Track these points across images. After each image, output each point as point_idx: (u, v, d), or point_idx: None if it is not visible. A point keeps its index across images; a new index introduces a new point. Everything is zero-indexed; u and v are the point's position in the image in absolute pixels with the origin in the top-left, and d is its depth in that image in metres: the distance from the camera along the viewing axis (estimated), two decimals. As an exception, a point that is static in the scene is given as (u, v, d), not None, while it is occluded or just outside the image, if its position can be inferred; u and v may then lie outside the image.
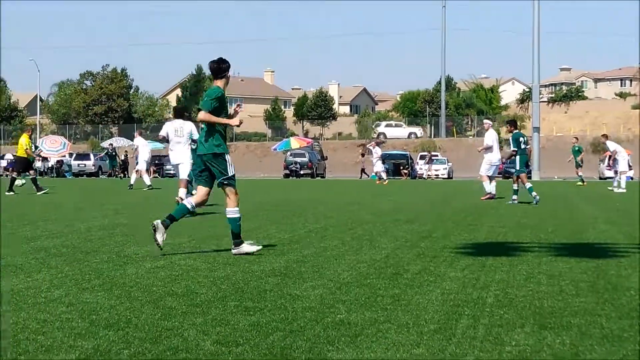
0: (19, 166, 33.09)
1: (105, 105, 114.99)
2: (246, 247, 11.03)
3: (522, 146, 25.12)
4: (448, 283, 8.59)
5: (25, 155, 32.19)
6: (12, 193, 30.48)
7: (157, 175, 72.52)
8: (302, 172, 72.30)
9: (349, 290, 8.12)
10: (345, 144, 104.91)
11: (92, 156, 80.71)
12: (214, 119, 11.08)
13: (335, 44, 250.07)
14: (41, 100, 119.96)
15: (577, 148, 45.87)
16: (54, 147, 73.99)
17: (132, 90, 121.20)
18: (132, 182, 37.30)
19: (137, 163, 37.72)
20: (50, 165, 77.70)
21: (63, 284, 8.44)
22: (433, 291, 8.06)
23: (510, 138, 25.77)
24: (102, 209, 21.33)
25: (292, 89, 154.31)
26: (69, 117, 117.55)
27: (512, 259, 10.65)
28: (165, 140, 21.02)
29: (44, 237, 13.28)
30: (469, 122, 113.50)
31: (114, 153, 72.45)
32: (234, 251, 11.00)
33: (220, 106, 11.14)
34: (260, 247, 11.17)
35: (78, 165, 78.06)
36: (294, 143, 74.59)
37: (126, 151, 78.14)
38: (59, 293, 7.86)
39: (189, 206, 11.33)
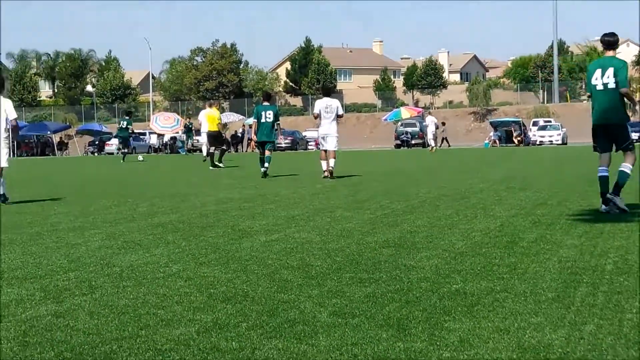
0: (213, 141, 32.28)
1: (215, 81, 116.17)
2: (619, 202, 11.82)
3: None
4: (565, 251, 8.46)
5: (218, 129, 32.11)
6: (220, 166, 30.89)
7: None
8: (413, 142, 72.04)
9: (464, 259, 8.06)
10: (456, 112, 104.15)
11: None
12: (631, 96, 12.09)
13: (443, 11, 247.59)
14: (153, 77, 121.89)
15: None
16: (167, 124, 75.05)
17: (241, 65, 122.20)
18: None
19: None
20: (164, 142, 78.96)
21: (181, 258, 8.57)
22: (550, 259, 7.95)
23: None
24: (216, 183, 21.59)
25: (401, 58, 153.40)
26: (181, 93, 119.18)
27: (631, 224, 10.41)
28: (318, 116, 22.56)
29: (160, 213, 13.50)
30: (583, 87, 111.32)
31: (190, 126, 72.27)
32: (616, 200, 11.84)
33: None
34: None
35: (193, 140, 79.09)
36: (405, 113, 74.16)
37: (243, 125, 78.69)
38: (177, 268, 7.99)
39: (627, 171, 12.03)
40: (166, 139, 78.94)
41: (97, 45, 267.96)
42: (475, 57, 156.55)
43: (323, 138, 22.56)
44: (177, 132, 77.72)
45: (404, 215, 12.16)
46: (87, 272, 7.83)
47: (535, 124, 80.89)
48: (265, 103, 24.53)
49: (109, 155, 73.24)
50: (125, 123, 46.39)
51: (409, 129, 73.65)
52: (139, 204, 15.16)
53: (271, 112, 23.93)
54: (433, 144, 54.64)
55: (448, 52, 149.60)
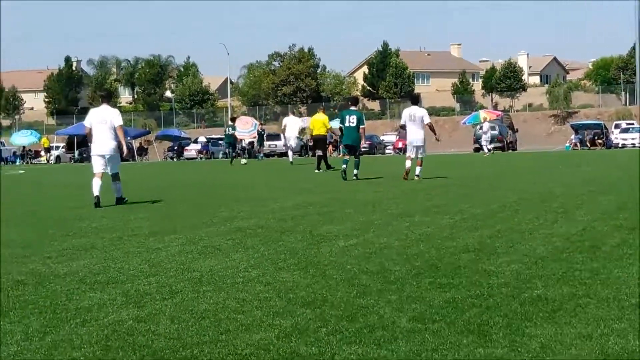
0: (319, 145, 33.27)
1: (293, 86, 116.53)
2: None
3: None
4: (649, 256, 8.32)
5: (325, 134, 33.07)
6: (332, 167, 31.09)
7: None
8: (492, 146, 71.42)
9: (545, 265, 7.98)
10: (537, 115, 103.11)
11: (282, 136, 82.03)
12: None
13: (523, 12, 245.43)
14: (231, 82, 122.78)
15: None
16: (245, 129, 75.44)
17: (319, 69, 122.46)
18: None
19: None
20: (242, 147, 79.52)
21: (260, 263, 8.61)
22: (633, 264, 7.83)
23: None
24: (295, 187, 21.66)
25: (480, 61, 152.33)
26: (259, 98, 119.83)
27: None
28: (404, 126, 24.09)
29: (239, 217, 13.58)
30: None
31: (262, 133, 72.52)
32: None
33: None
34: None
35: (269, 145, 79.48)
36: (484, 116, 73.63)
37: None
38: (256, 273, 8.03)
39: None
40: (244, 143, 79.42)
41: (176, 51, 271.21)
42: (555, 59, 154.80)
43: (413, 145, 23.39)
44: (255, 137, 78.19)
45: (483, 220, 12.07)
46: (168, 277, 7.91)
47: (617, 126, 79.70)
48: (352, 108, 24.97)
49: (189, 160, 73.96)
50: (230, 129, 50.93)
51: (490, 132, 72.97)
52: (217, 208, 15.25)
53: (354, 117, 24.17)
54: (488, 148, 55.07)
55: (527, 54, 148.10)
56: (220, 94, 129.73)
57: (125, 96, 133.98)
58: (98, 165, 16.79)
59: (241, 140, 78.00)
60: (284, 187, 22.17)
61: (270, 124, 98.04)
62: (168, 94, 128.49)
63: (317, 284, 7.35)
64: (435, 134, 23.88)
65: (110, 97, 18.25)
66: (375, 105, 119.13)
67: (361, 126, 24.14)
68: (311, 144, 47.47)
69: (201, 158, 76.60)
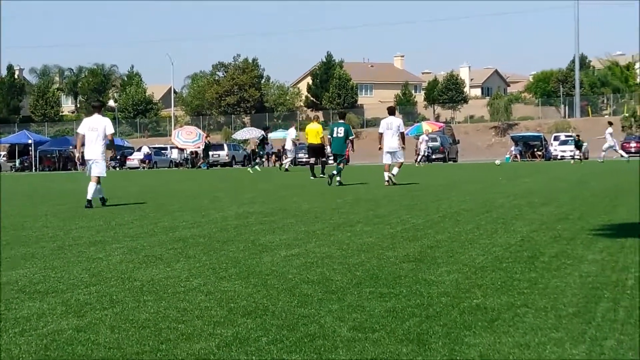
0: (314, 153, 34.81)
1: (237, 96, 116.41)
2: None
3: None
4: (586, 266, 8.44)
5: (321, 142, 34.16)
6: (322, 176, 32.61)
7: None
8: (434, 157, 71.89)
9: (485, 274, 8.05)
10: (478, 127, 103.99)
11: (225, 146, 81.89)
12: None
13: (464, 26, 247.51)
14: (175, 92, 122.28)
15: None
16: (189, 139, 75.22)
17: (263, 80, 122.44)
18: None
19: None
20: (185, 157, 79.14)
21: (201, 273, 8.60)
22: (571, 274, 7.93)
23: None
24: (237, 198, 21.64)
25: (422, 73, 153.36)
26: (203, 108, 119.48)
27: (653, 239, 10.37)
28: (382, 134, 26.25)
29: (181, 227, 13.54)
30: (605, 101, 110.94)
31: (208, 144, 72.59)
32: None
33: None
34: None
35: (212, 155, 79.28)
36: (426, 127, 74.14)
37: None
38: (198, 282, 8.02)
39: None
40: (187, 153, 79.10)
41: (120, 61, 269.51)
42: (496, 71, 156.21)
43: (387, 152, 25.82)
44: (199, 147, 77.88)
45: (424, 230, 12.16)
46: (108, 286, 7.87)
47: (556, 138, 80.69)
48: (340, 121, 28.94)
49: (131, 170, 73.49)
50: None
51: (430, 144, 73.45)
52: (161, 218, 15.20)
53: (342, 129, 27.67)
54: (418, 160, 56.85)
55: (469, 66, 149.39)
56: (164, 103, 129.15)
57: (68, 105, 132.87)
58: (88, 169, 18.96)
59: (183, 150, 77.90)
60: (227, 197, 22.12)
61: (214, 134, 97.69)
62: (111, 103, 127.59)
63: (258, 293, 7.36)
64: (404, 143, 26.36)
65: (102, 107, 20.08)
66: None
67: (350, 137, 27.84)
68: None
69: (144, 167, 76.13)
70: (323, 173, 33.74)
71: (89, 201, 18.40)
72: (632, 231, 11.50)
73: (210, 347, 5.52)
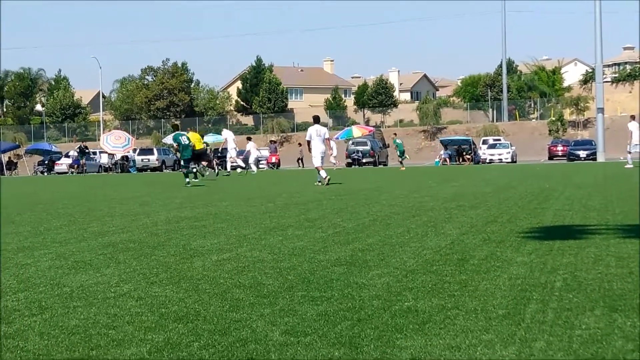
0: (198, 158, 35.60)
1: (166, 100, 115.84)
2: None
3: None
4: (515, 268, 8.53)
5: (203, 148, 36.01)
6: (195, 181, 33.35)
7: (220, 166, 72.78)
8: (364, 161, 72.19)
9: (416, 277, 8.10)
10: (407, 131, 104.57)
11: (155, 151, 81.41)
12: None
13: (393, 31, 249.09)
14: (103, 96, 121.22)
15: None
16: (119, 143, 74.67)
17: (192, 84, 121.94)
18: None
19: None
20: (115, 161, 78.49)
21: (132, 278, 8.53)
22: (500, 276, 8.01)
23: None
24: (167, 202, 21.50)
25: (352, 77, 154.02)
26: (132, 112, 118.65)
27: (580, 242, 10.53)
28: (310, 140, 29.17)
29: (111, 232, 13.42)
30: (532, 105, 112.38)
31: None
32: None
33: None
34: None
35: (142, 160, 78.77)
36: (356, 131, 74.43)
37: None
38: (128, 287, 7.95)
39: None
40: (117, 158, 78.45)
41: (47, 64, 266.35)
42: (425, 76, 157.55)
43: (319, 155, 28.82)
44: (129, 152, 77.28)
45: (355, 234, 12.19)
46: (37, 293, 7.77)
47: (484, 142, 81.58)
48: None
49: (60, 175, 72.64)
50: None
51: (360, 148, 73.74)
52: (90, 223, 15.05)
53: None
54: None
55: (398, 71, 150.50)
56: (93, 107, 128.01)
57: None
58: None
59: (113, 155, 77.25)
60: (157, 202, 21.97)
61: (143, 138, 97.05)
62: (39, 107, 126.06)
63: (189, 298, 7.32)
64: (330, 149, 29.77)
65: None
66: (249, 120, 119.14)
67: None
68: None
69: (72, 172, 75.30)
70: (203, 174, 35.68)
71: None
72: (559, 233, 11.65)
73: (141, 352, 5.48)
